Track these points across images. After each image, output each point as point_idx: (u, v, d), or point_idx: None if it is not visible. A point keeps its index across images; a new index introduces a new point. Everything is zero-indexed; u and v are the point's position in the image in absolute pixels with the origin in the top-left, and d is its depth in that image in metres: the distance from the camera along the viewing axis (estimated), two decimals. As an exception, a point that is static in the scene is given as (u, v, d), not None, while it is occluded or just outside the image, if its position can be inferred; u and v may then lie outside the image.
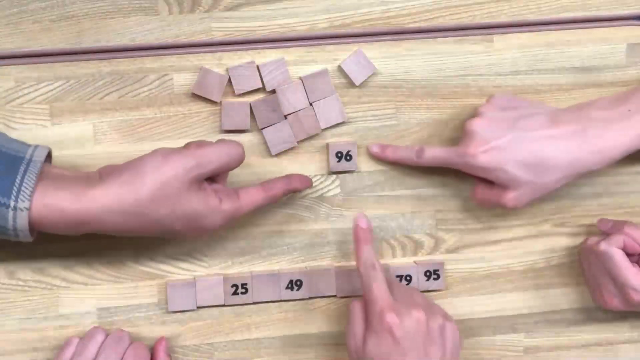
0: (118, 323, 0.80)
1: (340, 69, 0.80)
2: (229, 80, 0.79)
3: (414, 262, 0.84)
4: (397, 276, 0.83)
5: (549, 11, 0.82)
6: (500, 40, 0.82)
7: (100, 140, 0.78)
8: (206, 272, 0.82)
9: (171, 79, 0.79)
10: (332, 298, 0.83)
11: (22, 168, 0.68)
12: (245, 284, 0.81)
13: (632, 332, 0.88)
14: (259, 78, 0.79)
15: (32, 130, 0.77)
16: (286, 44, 0.80)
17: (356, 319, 0.75)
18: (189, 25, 0.78)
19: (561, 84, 0.83)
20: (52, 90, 0.77)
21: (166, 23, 0.78)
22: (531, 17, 0.82)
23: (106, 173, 0.70)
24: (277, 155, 0.81)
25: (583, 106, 0.79)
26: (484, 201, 0.81)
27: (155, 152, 0.70)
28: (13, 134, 0.76)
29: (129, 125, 0.79)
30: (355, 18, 0.80)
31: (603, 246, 0.79)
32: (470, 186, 0.83)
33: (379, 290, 0.74)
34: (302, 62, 0.80)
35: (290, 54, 0.80)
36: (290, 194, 0.81)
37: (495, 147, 0.75)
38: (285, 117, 0.80)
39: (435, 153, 0.79)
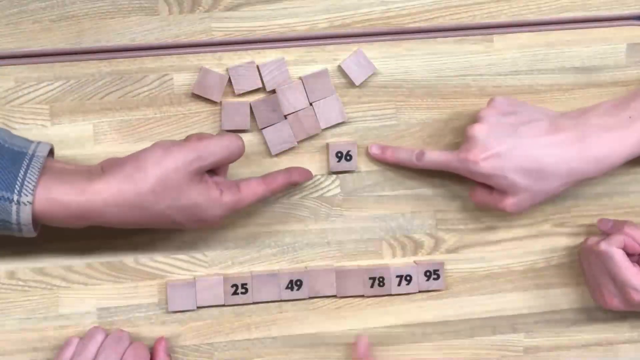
0: (118, 323, 0.80)
1: (340, 69, 0.80)
2: (229, 80, 0.79)
3: (414, 262, 0.84)
4: (397, 276, 0.83)
5: (549, 11, 0.82)
6: (500, 40, 0.82)
7: (100, 140, 0.78)
8: (206, 272, 0.82)
9: (171, 79, 0.79)
10: (332, 298, 0.83)
11: (24, 163, 0.68)
12: (245, 284, 0.81)
13: (632, 332, 0.88)
14: (259, 78, 0.79)
15: (32, 131, 0.77)
16: (286, 44, 0.80)
17: None
18: (189, 25, 0.78)
19: (561, 84, 0.83)
20: (52, 90, 0.77)
21: (166, 23, 0.78)
22: (531, 17, 0.82)
23: (108, 166, 0.71)
24: (277, 155, 0.81)
25: (583, 112, 0.79)
26: (482, 204, 0.81)
27: (156, 145, 0.71)
28: (13, 134, 0.76)
29: (129, 125, 0.79)
30: (355, 18, 0.80)
31: (603, 246, 0.79)
32: (470, 187, 0.83)
33: None
34: (302, 62, 0.80)
35: (290, 54, 0.80)
36: (291, 187, 0.81)
37: (496, 154, 0.75)
38: (285, 117, 0.80)
39: (435, 157, 0.79)
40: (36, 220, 0.69)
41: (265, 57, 0.79)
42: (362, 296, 0.83)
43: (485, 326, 0.86)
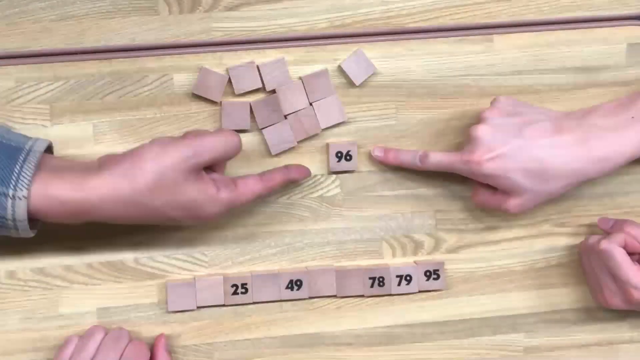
0: (118, 323, 0.80)
1: (340, 69, 0.80)
2: (229, 80, 0.79)
3: (414, 262, 0.84)
4: (397, 276, 0.83)
5: (549, 11, 0.82)
6: (500, 40, 0.82)
7: (100, 140, 0.78)
8: (206, 272, 0.82)
9: (171, 79, 0.79)
10: (332, 298, 0.83)
11: (21, 158, 0.68)
12: (245, 284, 0.81)
13: (633, 332, 0.88)
14: (259, 78, 0.79)
15: (32, 130, 0.77)
16: (286, 44, 0.80)
17: None
18: (189, 25, 0.78)
19: (561, 84, 0.83)
20: (52, 90, 0.77)
21: (166, 23, 0.78)
22: (531, 17, 0.82)
23: (105, 162, 0.71)
24: (277, 155, 0.81)
25: (586, 113, 0.79)
26: (484, 205, 0.81)
27: (153, 142, 0.71)
28: (13, 134, 0.76)
29: (129, 125, 0.79)
30: (355, 18, 0.80)
31: (604, 244, 0.79)
32: (470, 187, 0.83)
33: None
34: (302, 62, 0.80)
35: (290, 54, 0.80)
36: (290, 185, 0.81)
37: (500, 155, 0.75)
38: (285, 117, 0.80)
39: (439, 159, 0.79)
40: (32, 217, 0.69)
41: (266, 57, 0.79)
42: (362, 296, 0.83)
43: (485, 326, 0.86)
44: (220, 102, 0.79)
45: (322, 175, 0.82)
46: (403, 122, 0.82)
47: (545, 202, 0.81)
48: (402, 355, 0.85)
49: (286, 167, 0.79)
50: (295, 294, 0.82)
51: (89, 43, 0.77)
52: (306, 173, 0.80)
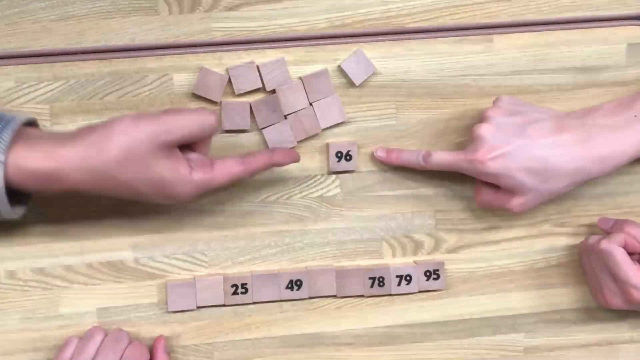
0: (118, 323, 0.80)
1: (340, 69, 0.80)
2: (229, 80, 0.79)
3: (414, 262, 0.84)
4: (397, 276, 0.83)
5: (549, 11, 0.82)
6: (500, 40, 0.82)
7: (100, 140, 0.78)
8: (206, 272, 0.82)
9: (171, 79, 0.79)
10: (332, 298, 0.83)
11: (0, 125, 0.68)
12: (245, 284, 0.81)
13: (633, 332, 0.88)
14: (259, 78, 0.79)
15: (32, 130, 0.77)
16: (286, 44, 0.80)
17: None
18: (189, 25, 0.78)
19: (561, 84, 0.83)
20: (52, 90, 0.77)
21: (166, 23, 0.78)
22: (531, 17, 0.82)
23: (78, 133, 0.70)
24: (277, 155, 0.81)
25: (588, 112, 0.80)
26: (487, 204, 0.81)
27: (126, 115, 0.70)
28: (13, 134, 0.76)
29: (129, 125, 0.79)
30: (355, 18, 0.80)
31: (604, 244, 0.79)
32: (470, 186, 0.83)
33: None
34: (302, 62, 0.80)
35: (290, 54, 0.80)
36: (274, 167, 0.79)
37: (504, 153, 0.75)
38: (285, 117, 0.80)
39: (442, 158, 0.79)
40: (10, 189, 0.68)
41: (265, 57, 0.79)
42: (362, 296, 0.83)
43: (485, 326, 0.86)
44: (220, 102, 0.79)
45: (322, 175, 0.82)
46: (403, 122, 0.82)
47: (547, 202, 0.81)
48: (402, 355, 0.85)
49: (271, 149, 0.77)
50: (295, 294, 0.82)
51: (89, 43, 0.77)
52: (294, 157, 0.77)
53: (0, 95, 0.77)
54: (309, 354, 0.84)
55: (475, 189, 0.82)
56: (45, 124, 0.77)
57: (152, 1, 0.77)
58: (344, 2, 0.80)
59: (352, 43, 0.80)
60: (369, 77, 0.81)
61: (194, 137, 0.71)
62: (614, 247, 0.78)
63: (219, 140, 0.79)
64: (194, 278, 0.81)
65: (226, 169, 0.73)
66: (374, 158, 0.82)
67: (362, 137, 0.82)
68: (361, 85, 0.81)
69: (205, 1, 0.78)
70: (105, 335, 0.78)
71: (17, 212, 0.71)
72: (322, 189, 0.82)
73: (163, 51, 0.78)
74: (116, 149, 0.68)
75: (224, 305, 0.81)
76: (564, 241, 0.86)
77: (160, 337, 0.80)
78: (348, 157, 0.81)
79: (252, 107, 0.79)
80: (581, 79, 0.83)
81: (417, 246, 0.84)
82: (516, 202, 0.78)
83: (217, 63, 0.79)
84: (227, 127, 0.79)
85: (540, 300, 0.86)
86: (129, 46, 0.78)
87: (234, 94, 0.79)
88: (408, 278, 0.83)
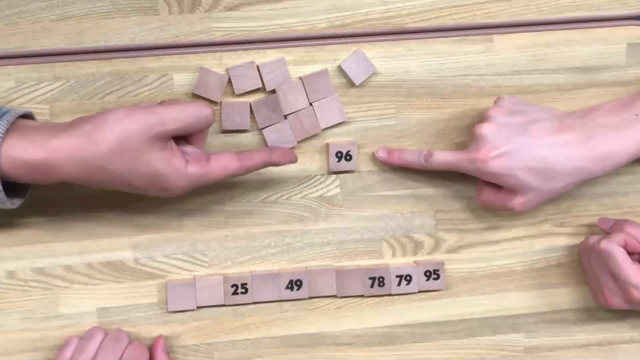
0: (118, 323, 0.80)
1: (340, 69, 0.80)
2: (229, 80, 0.79)
3: (414, 262, 0.84)
4: (397, 276, 0.83)
5: (549, 11, 0.82)
6: (500, 40, 0.82)
7: (100, 140, 0.78)
8: (206, 272, 0.82)
9: (171, 79, 0.79)
10: (332, 298, 0.83)
11: None
12: (245, 284, 0.81)
13: (633, 332, 0.88)
14: (259, 78, 0.79)
15: (32, 130, 0.77)
16: (286, 44, 0.80)
17: None
18: (189, 25, 0.78)
19: (561, 84, 0.83)
20: (52, 90, 0.77)
21: (166, 23, 0.78)
22: (531, 17, 0.82)
23: (72, 123, 0.70)
24: (277, 155, 0.81)
25: (589, 111, 0.80)
26: (488, 204, 0.81)
27: (121, 107, 0.70)
28: (13, 134, 0.76)
29: (129, 125, 0.79)
30: (355, 18, 0.80)
31: (604, 244, 0.79)
32: (470, 186, 0.83)
33: None
34: (302, 62, 0.80)
35: (290, 54, 0.80)
36: (271, 167, 0.78)
37: (506, 152, 0.75)
38: (285, 117, 0.80)
39: (443, 157, 0.79)
40: (4, 179, 0.68)
41: (265, 57, 0.79)
42: (362, 296, 0.83)
43: (485, 326, 0.86)
44: (220, 102, 0.79)
45: (322, 175, 0.82)
46: (403, 122, 0.82)
47: (547, 201, 0.81)
48: (402, 355, 0.85)
49: (269, 148, 0.77)
50: (295, 294, 0.82)
51: (89, 43, 0.77)
52: (291, 158, 0.76)
53: (0, 95, 0.77)
54: (309, 354, 0.84)
55: (476, 189, 0.82)
56: (46, 123, 0.77)
57: (152, 1, 0.77)
58: (344, 2, 0.80)
59: (352, 43, 0.80)
60: (369, 77, 0.81)
61: (189, 129, 0.71)
62: (614, 247, 0.78)
63: (219, 140, 0.79)
64: (194, 278, 0.81)
65: (222, 164, 0.73)
66: (374, 158, 0.82)
67: (362, 137, 0.82)
68: (361, 85, 0.81)
69: (205, 1, 0.78)
70: (105, 335, 0.78)
71: (15, 202, 0.71)
72: (322, 189, 0.82)
73: (163, 51, 0.78)
74: (110, 139, 0.68)
75: (224, 305, 0.81)
76: (564, 241, 0.86)
77: (160, 337, 0.80)
78: (348, 157, 0.81)
79: (252, 107, 0.79)
80: (581, 79, 0.83)
81: (417, 246, 0.84)
82: (517, 202, 0.78)
83: (217, 63, 0.79)
84: (227, 127, 0.79)
85: (540, 300, 0.86)
86: (129, 46, 0.78)
87: (234, 94, 0.79)
88: (408, 278, 0.83)
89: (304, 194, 0.82)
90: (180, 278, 0.81)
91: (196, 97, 0.79)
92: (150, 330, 0.81)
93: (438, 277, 0.84)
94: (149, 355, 0.79)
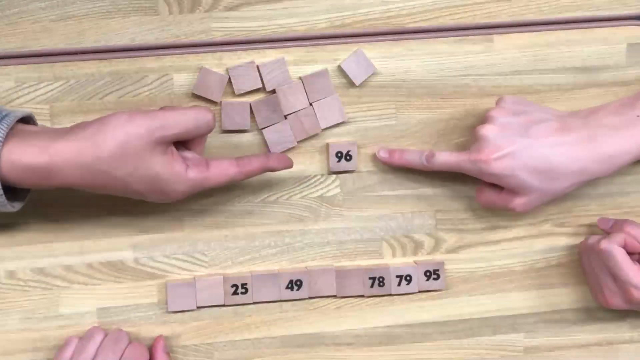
0: (118, 323, 0.80)
1: (340, 69, 0.80)
2: (229, 80, 0.79)
3: (414, 262, 0.84)
4: (397, 276, 0.83)
5: (549, 11, 0.82)
6: (500, 40, 0.82)
7: (100, 140, 0.78)
8: (206, 272, 0.82)
9: (171, 79, 0.79)
10: (332, 298, 0.83)
11: None
12: (245, 284, 0.81)
13: (633, 332, 0.88)
14: (259, 78, 0.79)
15: (32, 130, 0.77)
16: (286, 44, 0.80)
17: None
18: (189, 25, 0.78)
19: (561, 84, 0.83)
20: (52, 90, 0.77)
21: (166, 23, 0.78)
22: (531, 17, 0.82)
23: (73, 128, 0.70)
24: (277, 155, 0.81)
25: (591, 112, 0.80)
26: (489, 204, 0.81)
27: (122, 111, 0.70)
28: (13, 134, 0.76)
29: (129, 125, 0.79)
30: (355, 18, 0.80)
31: (604, 244, 0.79)
32: (470, 186, 0.83)
33: None
34: (302, 62, 0.80)
35: (290, 54, 0.80)
36: (268, 172, 0.78)
37: (508, 154, 0.75)
38: (285, 117, 0.80)
39: (445, 158, 0.79)
40: (5, 183, 0.68)
41: (265, 57, 0.79)
42: (362, 296, 0.83)
43: (485, 326, 0.86)
44: (220, 102, 0.79)
45: (322, 175, 0.82)
46: (403, 122, 0.82)
47: (550, 201, 0.81)
48: (402, 355, 0.85)
49: (266, 154, 0.77)
50: (295, 294, 0.82)
51: (89, 43, 0.77)
52: (287, 163, 0.77)
53: (0, 95, 0.77)
54: (309, 354, 0.84)
55: (476, 189, 0.82)
56: (45, 124, 0.77)
57: (152, 1, 0.77)
58: (344, 2, 0.80)
59: (352, 43, 0.80)
60: (369, 77, 0.81)
61: (189, 134, 0.71)
62: (614, 247, 0.78)
63: (219, 140, 0.80)
64: (194, 278, 0.81)
65: (221, 170, 0.73)
66: (374, 158, 0.82)
67: (362, 137, 0.82)
68: (361, 85, 0.81)
69: (205, 1, 0.78)
70: (105, 335, 0.78)
71: (15, 205, 0.71)
72: (322, 189, 0.82)
73: (163, 51, 0.78)
74: (111, 143, 0.68)
75: (224, 305, 0.81)
76: (564, 241, 0.86)
77: (159, 337, 0.80)
78: (348, 157, 0.81)
79: (252, 107, 0.79)
80: (581, 79, 0.83)
81: (417, 246, 0.84)
82: (519, 202, 0.78)
83: (217, 63, 0.79)
84: (227, 127, 0.79)
85: (540, 300, 0.86)
86: (129, 46, 0.78)
87: (234, 94, 0.79)
88: (408, 278, 0.83)
89: (304, 194, 0.82)
90: (180, 278, 0.81)
91: (196, 97, 0.79)
92: (150, 330, 0.81)
93: (438, 277, 0.84)
94: (149, 355, 0.79)
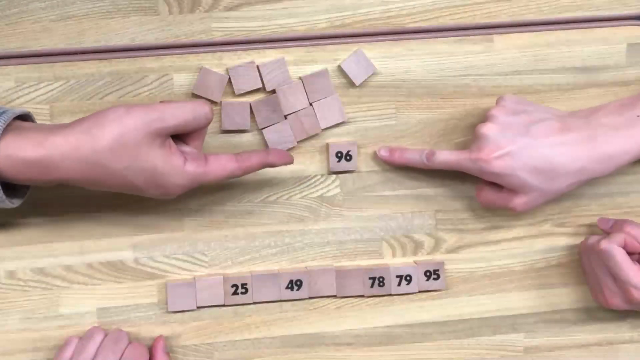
0: (118, 323, 0.80)
1: (340, 69, 0.80)
2: (229, 80, 0.79)
3: (414, 262, 0.84)
4: (397, 276, 0.83)
5: (549, 11, 0.82)
6: (500, 40, 0.82)
7: (100, 140, 0.78)
8: (206, 272, 0.82)
9: (171, 79, 0.79)
10: (332, 298, 0.83)
11: None
12: (245, 284, 0.81)
13: (633, 332, 0.88)
14: (259, 78, 0.79)
15: (32, 130, 0.77)
16: (286, 44, 0.80)
17: None
18: (189, 25, 0.78)
19: (561, 84, 0.83)
20: (52, 90, 0.77)
21: (166, 23, 0.78)
22: (531, 17, 0.82)
23: (71, 123, 0.70)
24: (277, 155, 0.81)
25: (592, 111, 0.80)
26: (489, 203, 0.81)
27: (120, 104, 0.70)
28: (13, 134, 0.76)
29: (129, 125, 0.79)
30: (355, 18, 0.80)
31: (604, 244, 0.79)
32: (470, 186, 0.83)
33: None
34: (302, 62, 0.80)
35: (290, 54, 0.80)
36: (267, 168, 0.78)
37: (508, 153, 0.75)
38: (285, 117, 0.80)
39: (445, 157, 0.79)
40: (3, 179, 0.68)
41: (265, 57, 0.79)
42: (362, 296, 0.83)
43: (485, 326, 0.86)
44: (220, 102, 0.79)
45: (322, 175, 0.82)
46: (403, 122, 0.82)
47: (550, 201, 0.81)
48: (402, 355, 0.85)
49: (266, 150, 0.77)
50: (295, 294, 0.82)
51: (89, 43, 0.77)
52: (287, 159, 0.77)
53: (0, 95, 0.77)
54: (309, 354, 0.84)
55: (476, 188, 0.82)
56: (45, 124, 0.77)
57: (152, 1, 0.77)
58: (344, 2, 0.80)
59: (352, 43, 0.80)
60: (369, 77, 0.81)
61: (188, 127, 0.71)
62: (614, 247, 0.78)
63: (218, 140, 0.80)
64: (194, 278, 0.81)
65: (220, 165, 0.73)
66: (374, 158, 0.82)
67: (362, 137, 0.82)
68: (361, 85, 0.81)
69: (205, 1, 0.78)
70: (105, 335, 0.78)
71: (14, 202, 0.71)
72: (322, 189, 0.82)
73: (163, 51, 0.78)
74: (109, 136, 0.67)
75: (224, 305, 0.81)
76: (564, 241, 0.86)
77: (159, 337, 0.80)
78: (348, 157, 0.81)
79: (252, 107, 0.79)
80: (581, 79, 0.83)
81: (417, 246, 0.84)
82: (519, 202, 0.78)
83: (217, 63, 0.79)
84: (227, 127, 0.79)
85: (540, 300, 0.86)
86: (129, 46, 0.78)
87: (234, 94, 0.79)
88: (408, 278, 0.83)
89: (304, 194, 0.82)
90: (180, 278, 0.81)
91: (196, 97, 0.79)
92: (150, 330, 0.81)
93: (438, 277, 0.84)
94: (149, 355, 0.79)
